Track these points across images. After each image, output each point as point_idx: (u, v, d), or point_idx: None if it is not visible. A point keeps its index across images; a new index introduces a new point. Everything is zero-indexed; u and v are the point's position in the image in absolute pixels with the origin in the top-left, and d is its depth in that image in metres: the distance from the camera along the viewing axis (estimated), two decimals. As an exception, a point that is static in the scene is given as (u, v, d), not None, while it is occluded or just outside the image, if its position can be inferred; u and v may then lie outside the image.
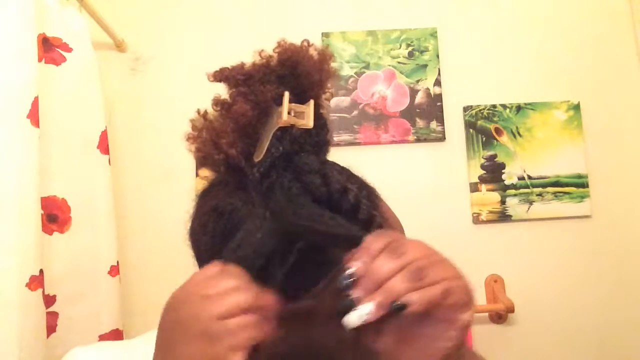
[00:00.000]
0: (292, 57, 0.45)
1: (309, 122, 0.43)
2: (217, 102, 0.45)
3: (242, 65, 0.45)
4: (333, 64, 0.47)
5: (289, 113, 0.42)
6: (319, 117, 0.45)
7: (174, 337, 0.37)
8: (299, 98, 0.44)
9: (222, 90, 0.47)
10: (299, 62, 0.45)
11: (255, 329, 0.35)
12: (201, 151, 0.44)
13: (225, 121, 0.44)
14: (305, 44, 0.47)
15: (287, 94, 0.42)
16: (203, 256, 0.46)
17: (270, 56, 0.46)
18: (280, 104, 0.42)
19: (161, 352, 0.38)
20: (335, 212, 0.40)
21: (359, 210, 0.41)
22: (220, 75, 0.46)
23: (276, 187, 0.41)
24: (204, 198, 0.48)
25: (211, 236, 0.44)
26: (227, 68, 0.46)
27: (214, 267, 0.38)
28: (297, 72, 0.44)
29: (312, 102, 0.44)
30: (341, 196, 0.41)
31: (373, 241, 0.37)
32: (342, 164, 0.51)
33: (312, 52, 0.46)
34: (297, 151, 0.43)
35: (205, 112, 0.45)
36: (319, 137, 0.45)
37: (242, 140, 0.43)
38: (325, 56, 0.46)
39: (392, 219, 0.48)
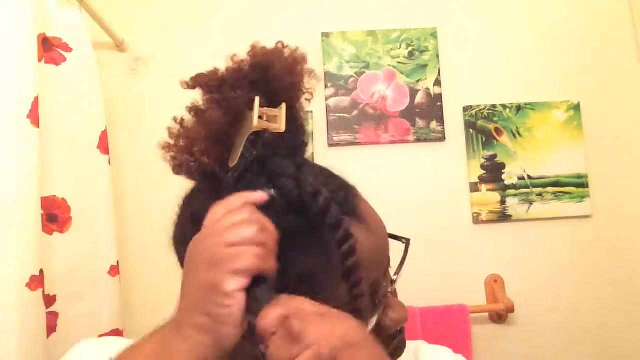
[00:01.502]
0: (262, 61, 0.45)
1: (281, 126, 0.43)
2: (192, 109, 0.46)
3: (216, 71, 0.45)
4: (306, 65, 0.47)
5: (260, 117, 0.42)
6: (293, 120, 0.45)
7: (189, 267, 0.39)
8: (271, 102, 0.44)
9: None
10: (269, 65, 0.44)
11: (257, 258, 0.37)
12: (176, 159, 0.45)
13: (199, 128, 0.44)
14: (280, 46, 0.47)
15: (257, 99, 0.42)
16: (184, 262, 0.47)
17: (243, 60, 0.46)
18: (252, 108, 0.42)
19: (182, 285, 0.40)
20: (305, 216, 0.41)
21: (327, 214, 0.41)
22: (195, 82, 0.46)
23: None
24: (184, 205, 0.49)
25: (185, 242, 0.44)
26: (202, 74, 0.46)
27: (235, 200, 0.40)
28: (268, 76, 0.44)
29: (284, 105, 0.43)
30: (312, 199, 0.41)
31: (266, 321, 0.36)
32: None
33: (286, 54, 0.46)
34: (271, 155, 0.43)
35: (182, 119, 0.46)
36: (293, 140, 0.45)
37: (215, 147, 0.43)
38: (297, 58, 0.46)
39: (371, 220, 0.47)
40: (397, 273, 0.50)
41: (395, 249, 0.54)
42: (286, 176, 0.42)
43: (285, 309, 0.36)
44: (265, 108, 0.43)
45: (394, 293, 0.51)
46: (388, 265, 0.50)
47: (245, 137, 0.42)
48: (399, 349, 0.50)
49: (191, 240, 0.40)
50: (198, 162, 0.44)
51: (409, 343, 0.61)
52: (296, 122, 0.45)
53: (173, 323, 0.39)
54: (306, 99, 0.48)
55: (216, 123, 0.43)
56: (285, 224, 0.40)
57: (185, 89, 0.46)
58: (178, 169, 0.45)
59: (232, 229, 0.37)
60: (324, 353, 0.33)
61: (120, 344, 0.56)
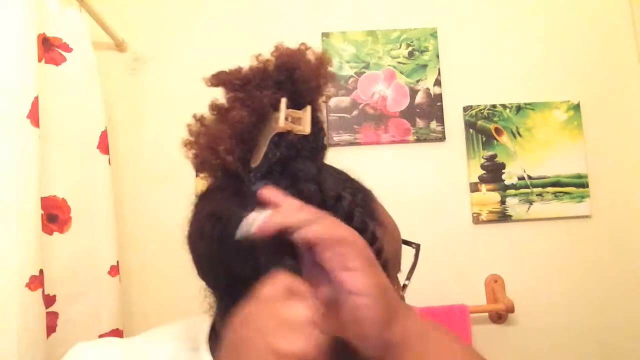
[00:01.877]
0: (289, 62, 0.45)
1: (306, 128, 0.43)
2: (214, 107, 0.45)
3: (240, 69, 0.45)
4: (330, 68, 0.47)
5: (286, 119, 0.42)
6: (315, 122, 0.45)
7: (236, 350, 0.36)
8: (296, 103, 0.44)
9: (219, 94, 0.47)
10: (296, 67, 0.45)
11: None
12: (199, 157, 0.44)
13: (222, 127, 0.44)
14: (303, 47, 0.47)
15: (284, 100, 0.42)
16: (201, 261, 0.47)
17: (268, 60, 0.46)
18: (277, 109, 0.42)
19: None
20: None
21: (352, 219, 0.41)
22: (217, 80, 0.45)
23: None
24: (202, 203, 0.48)
25: (209, 241, 0.44)
26: (224, 72, 0.45)
27: (281, 283, 0.37)
28: (294, 78, 0.44)
29: (309, 107, 0.44)
30: (335, 204, 0.41)
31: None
32: (339, 167, 0.50)
33: (310, 56, 0.46)
34: (294, 157, 0.43)
35: (202, 116, 0.45)
36: (315, 142, 0.45)
37: (239, 146, 0.43)
38: (323, 60, 0.46)
39: (388, 224, 0.47)
40: (408, 278, 0.50)
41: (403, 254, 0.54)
42: (309, 180, 0.42)
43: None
44: (291, 110, 0.43)
45: (402, 298, 0.51)
46: (399, 270, 0.50)
47: (268, 137, 0.42)
48: None
49: (243, 314, 0.37)
50: (221, 160, 0.43)
51: None
52: (318, 125, 0.45)
53: None
54: (323, 102, 0.48)
55: (241, 122, 0.43)
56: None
57: (209, 86, 0.46)
58: (201, 167, 0.45)
59: (289, 334, 0.35)
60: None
61: (118, 344, 0.56)
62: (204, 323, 0.54)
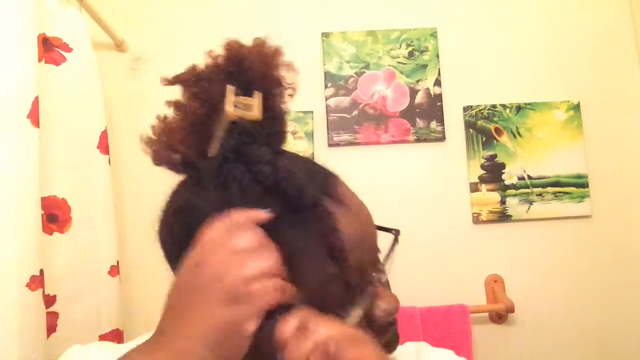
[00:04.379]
0: (238, 53, 0.46)
1: (256, 113, 0.43)
2: (171, 104, 0.47)
3: (194, 67, 0.47)
4: (282, 57, 0.48)
5: (236, 106, 0.43)
6: (270, 110, 0.45)
7: (191, 299, 0.38)
8: (247, 92, 0.44)
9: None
10: (244, 57, 0.45)
11: (279, 292, 0.37)
12: (157, 153, 0.46)
13: (176, 121, 0.45)
14: (256, 41, 0.48)
15: (229, 87, 0.43)
16: (171, 256, 0.47)
17: (218, 56, 0.47)
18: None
19: (172, 313, 0.39)
20: (281, 199, 0.41)
21: (303, 196, 0.41)
22: (175, 79, 0.47)
23: (229, 180, 0.42)
24: (168, 198, 0.49)
25: (172, 235, 0.46)
26: (182, 72, 0.47)
27: (237, 217, 0.39)
28: (243, 67, 0.45)
29: (259, 94, 0.44)
30: (287, 182, 0.41)
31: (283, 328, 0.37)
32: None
33: (261, 47, 0.47)
34: (249, 143, 0.44)
35: (165, 116, 0.47)
36: (271, 128, 0.46)
37: (193, 137, 0.44)
38: (272, 50, 0.47)
39: (353, 205, 0.47)
40: (385, 262, 0.48)
41: (388, 241, 0.53)
42: (263, 162, 0.42)
43: (303, 315, 0.37)
44: (241, 97, 0.44)
45: (386, 284, 0.50)
46: (376, 255, 0.48)
47: (223, 127, 0.43)
48: (393, 342, 0.49)
49: (189, 259, 0.39)
50: (177, 152, 0.44)
51: (410, 344, 0.61)
52: (274, 112, 0.46)
53: (165, 352, 0.37)
54: (289, 94, 0.48)
55: (194, 113, 0.44)
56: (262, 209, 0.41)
57: (165, 85, 0.47)
58: (158, 160, 0.46)
59: (248, 260, 0.37)
60: (331, 347, 0.34)
61: (111, 349, 0.55)
62: None
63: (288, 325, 0.36)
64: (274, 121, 0.46)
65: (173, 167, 0.46)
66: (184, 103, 0.45)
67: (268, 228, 0.40)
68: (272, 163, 0.42)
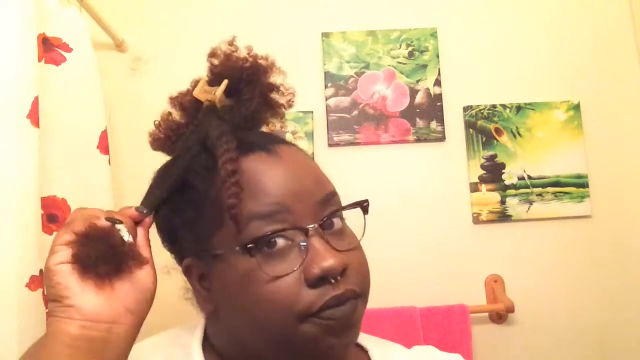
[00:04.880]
0: (220, 59, 0.54)
1: (215, 97, 0.50)
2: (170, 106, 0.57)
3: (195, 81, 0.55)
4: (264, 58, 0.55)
5: (205, 91, 0.51)
6: (237, 95, 0.52)
7: None
8: (236, 92, 0.53)
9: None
10: (224, 58, 0.54)
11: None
12: (155, 137, 0.58)
13: (172, 112, 0.56)
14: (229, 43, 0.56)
15: (203, 79, 0.53)
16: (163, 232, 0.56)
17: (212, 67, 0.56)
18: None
19: None
20: (210, 152, 0.48)
21: (219, 139, 0.47)
22: (173, 101, 0.56)
23: (184, 147, 0.51)
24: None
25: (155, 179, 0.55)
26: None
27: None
28: (225, 66, 0.53)
29: (225, 81, 0.51)
30: (212, 135, 0.48)
31: None
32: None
33: (243, 56, 0.54)
34: (209, 121, 0.50)
35: (169, 112, 0.57)
36: (239, 113, 0.52)
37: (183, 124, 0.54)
38: (236, 48, 0.55)
39: (286, 157, 0.49)
40: (330, 216, 0.48)
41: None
42: (213, 127, 0.48)
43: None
44: (208, 87, 0.52)
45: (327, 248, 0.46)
46: (312, 214, 0.46)
47: (202, 113, 0.51)
48: (329, 313, 0.44)
49: None
50: (172, 134, 0.54)
51: (417, 348, 0.60)
52: (241, 98, 0.53)
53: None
54: (288, 100, 0.56)
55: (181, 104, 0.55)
56: (196, 165, 0.48)
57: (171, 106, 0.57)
58: (156, 144, 0.57)
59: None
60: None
61: None
62: (197, 327, 0.55)
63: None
64: (242, 106, 0.52)
65: (166, 150, 0.57)
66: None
67: (193, 181, 0.49)
68: (217, 128, 0.48)
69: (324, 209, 0.47)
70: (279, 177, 0.46)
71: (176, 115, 0.55)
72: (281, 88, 0.56)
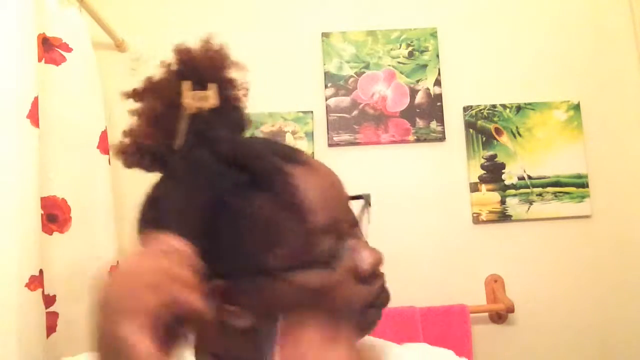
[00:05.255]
0: (186, 55, 0.50)
1: (213, 101, 0.47)
2: (132, 113, 0.50)
3: (149, 78, 0.51)
4: (225, 52, 0.51)
5: (192, 99, 0.47)
6: (226, 101, 0.49)
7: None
8: (202, 87, 0.48)
9: None
10: (192, 56, 0.50)
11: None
12: (126, 155, 0.49)
13: (139, 122, 0.49)
14: (200, 43, 0.52)
15: (185, 83, 0.47)
16: None
17: (170, 64, 0.51)
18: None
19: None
20: (244, 169, 0.43)
21: (263, 162, 0.44)
22: (133, 92, 0.51)
23: (196, 165, 0.45)
24: (146, 194, 0.52)
25: (151, 228, 0.46)
26: (139, 85, 0.51)
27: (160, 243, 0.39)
28: (193, 66, 0.49)
29: (213, 85, 0.48)
30: (246, 153, 0.44)
31: None
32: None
33: (207, 45, 0.51)
34: (209, 129, 0.47)
35: (130, 127, 0.50)
36: (229, 118, 0.49)
37: (157, 131, 0.47)
38: (216, 46, 0.51)
39: (316, 165, 0.48)
40: (359, 218, 0.49)
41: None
42: (222, 141, 0.45)
43: None
44: (197, 91, 0.47)
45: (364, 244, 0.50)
46: (351, 215, 0.49)
47: (183, 119, 0.47)
48: (383, 297, 0.49)
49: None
50: (143, 149, 0.48)
51: (409, 345, 0.61)
52: (229, 105, 0.49)
53: None
54: (243, 95, 0.52)
55: (153, 110, 0.48)
56: (231, 182, 0.43)
57: (127, 99, 0.51)
58: (129, 162, 0.49)
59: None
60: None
61: None
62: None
63: None
64: (231, 111, 0.49)
65: (144, 166, 0.49)
66: (144, 106, 0.49)
67: (232, 201, 0.42)
68: (231, 140, 0.45)
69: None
70: (326, 189, 0.47)
71: (141, 123, 0.49)
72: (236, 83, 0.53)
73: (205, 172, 0.44)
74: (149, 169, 0.50)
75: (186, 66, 0.49)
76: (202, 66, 0.49)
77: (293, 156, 0.47)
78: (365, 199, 0.52)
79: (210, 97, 0.47)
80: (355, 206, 0.51)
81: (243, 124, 0.52)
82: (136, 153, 0.48)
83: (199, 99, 0.47)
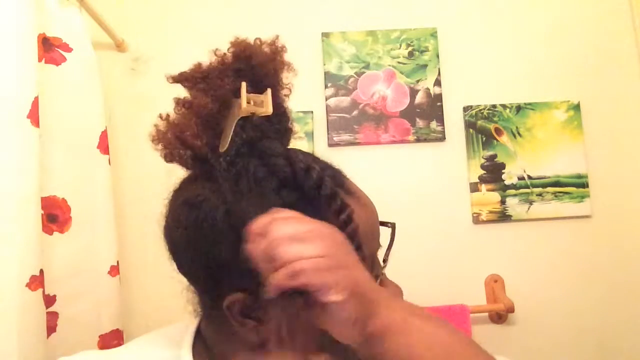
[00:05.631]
0: (245, 51, 0.47)
1: (268, 109, 0.44)
2: (178, 102, 0.47)
3: (200, 65, 0.47)
4: (285, 55, 0.49)
5: (248, 102, 0.44)
6: (278, 106, 0.47)
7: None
8: (256, 88, 0.46)
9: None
10: (252, 54, 0.47)
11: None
12: (167, 148, 0.46)
13: (188, 117, 0.45)
14: (258, 41, 0.49)
15: (244, 84, 0.44)
16: (179, 251, 0.47)
17: (225, 54, 0.48)
18: (238, 96, 0.44)
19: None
20: (299, 190, 0.42)
21: (321, 186, 0.42)
22: (179, 77, 0.48)
23: (242, 173, 0.43)
24: (176, 194, 0.49)
25: (184, 228, 0.45)
26: (186, 71, 0.48)
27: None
28: (251, 64, 0.46)
29: (269, 90, 0.45)
30: (305, 174, 0.42)
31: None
32: (339, 167, 0.52)
33: (265, 46, 0.49)
34: (260, 138, 0.44)
35: (168, 115, 0.47)
36: (280, 124, 0.47)
37: (206, 132, 0.44)
38: (277, 48, 0.49)
39: (361, 196, 0.49)
40: (387, 253, 0.50)
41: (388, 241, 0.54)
42: (277, 155, 0.43)
43: (273, 215, 0.39)
44: (252, 94, 0.45)
45: (380, 277, 0.52)
46: (378, 246, 0.50)
47: (234, 122, 0.44)
48: None
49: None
50: (190, 148, 0.45)
51: None
52: (280, 109, 0.47)
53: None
54: (285, 95, 0.50)
55: (205, 108, 0.44)
56: (281, 201, 0.42)
57: (171, 83, 0.48)
58: (170, 156, 0.46)
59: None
60: (273, 249, 0.37)
61: (97, 356, 0.54)
62: (190, 326, 0.54)
63: (259, 221, 0.38)
64: (281, 117, 0.47)
65: (184, 163, 0.46)
66: (192, 100, 0.46)
67: None
68: (287, 156, 0.43)
69: None
70: (371, 224, 0.48)
71: (189, 118, 0.45)
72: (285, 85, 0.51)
73: (255, 186, 0.42)
74: (189, 167, 0.48)
75: (244, 63, 0.47)
76: (261, 66, 0.47)
77: (343, 183, 0.47)
78: (392, 228, 0.53)
79: (265, 104, 0.44)
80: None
81: (290, 132, 0.50)
82: (179, 149, 0.45)
83: (254, 104, 0.44)
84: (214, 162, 0.44)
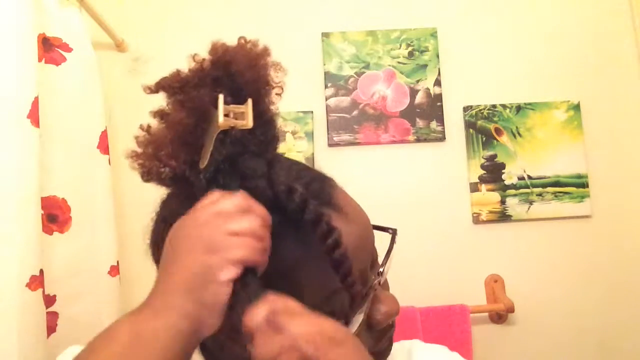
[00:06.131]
0: (223, 57, 0.43)
1: (248, 122, 0.41)
2: (157, 113, 0.44)
3: (178, 72, 0.44)
4: (270, 57, 0.45)
5: (227, 115, 0.41)
6: (261, 115, 0.44)
7: (179, 250, 0.38)
8: (237, 98, 0.42)
9: None
10: (231, 61, 0.43)
11: (255, 252, 0.37)
12: (144, 167, 0.43)
13: (164, 132, 0.42)
14: (242, 41, 0.45)
15: (221, 97, 0.41)
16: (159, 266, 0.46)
17: (204, 59, 0.45)
18: (217, 107, 0.41)
19: (163, 268, 0.39)
20: (281, 213, 0.40)
21: (305, 210, 0.40)
22: (157, 86, 0.45)
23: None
24: (159, 210, 0.49)
25: (159, 246, 0.44)
26: (165, 77, 0.44)
27: (235, 196, 0.39)
28: (231, 72, 0.43)
29: (249, 101, 0.42)
30: (286, 197, 0.40)
31: (254, 320, 0.35)
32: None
33: (247, 48, 0.45)
34: (241, 153, 0.42)
35: (149, 125, 0.44)
36: (264, 135, 0.44)
37: (183, 148, 0.41)
38: (259, 51, 0.45)
39: (350, 210, 0.45)
40: (383, 264, 0.48)
41: (388, 241, 0.52)
42: (258, 177, 0.41)
43: (272, 307, 0.35)
44: (231, 105, 0.42)
45: (385, 286, 0.49)
46: (375, 256, 0.48)
47: (213, 136, 0.41)
48: (387, 348, 0.49)
49: (179, 221, 0.40)
50: (167, 166, 0.42)
51: (403, 342, 0.61)
52: (264, 117, 0.44)
53: (149, 308, 0.38)
54: (277, 94, 0.46)
55: (181, 124, 0.41)
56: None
57: (148, 93, 0.45)
58: (147, 175, 0.43)
59: (235, 217, 0.37)
60: (305, 348, 0.33)
61: None
62: None
63: (257, 314, 0.35)
64: (265, 126, 0.44)
65: (161, 181, 0.44)
66: (169, 112, 0.43)
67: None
68: (268, 176, 0.41)
69: None
70: (359, 240, 0.45)
71: (167, 136, 0.42)
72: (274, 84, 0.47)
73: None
74: (167, 185, 0.45)
75: (223, 70, 0.43)
76: (241, 73, 0.43)
77: (330, 198, 0.44)
78: (392, 234, 0.50)
79: (245, 116, 0.41)
80: (379, 236, 0.50)
81: (277, 140, 0.46)
82: (157, 168, 0.42)
83: (233, 117, 0.41)
84: (194, 179, 0.42)
